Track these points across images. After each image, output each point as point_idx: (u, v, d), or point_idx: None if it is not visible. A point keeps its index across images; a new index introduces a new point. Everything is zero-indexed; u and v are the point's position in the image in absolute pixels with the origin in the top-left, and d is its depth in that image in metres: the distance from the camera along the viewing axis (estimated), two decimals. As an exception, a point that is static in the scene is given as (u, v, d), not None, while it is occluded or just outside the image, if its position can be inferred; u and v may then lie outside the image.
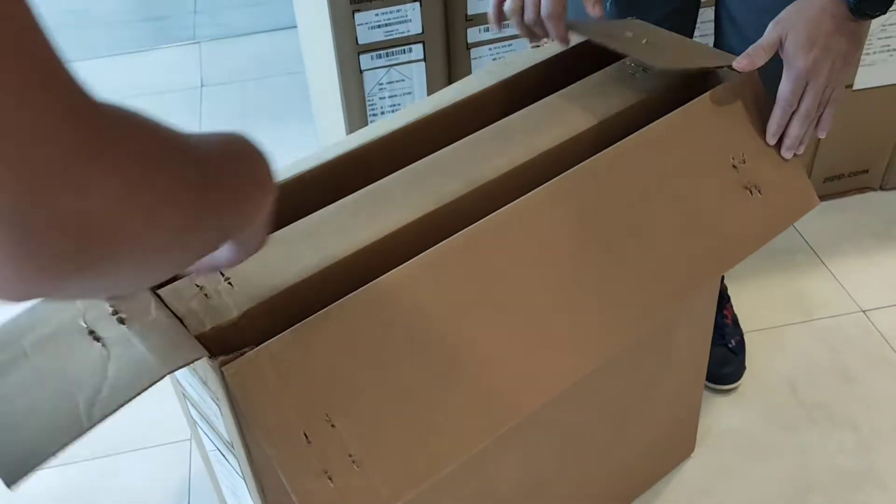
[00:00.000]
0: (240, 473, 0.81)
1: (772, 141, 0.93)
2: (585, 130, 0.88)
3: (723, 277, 1.54)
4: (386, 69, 1.38)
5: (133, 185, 0.35)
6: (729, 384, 1.47)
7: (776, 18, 0.92)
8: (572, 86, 0.95)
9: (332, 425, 0.70)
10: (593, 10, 0.96)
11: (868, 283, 1.64)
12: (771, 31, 0.92)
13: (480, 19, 1.39)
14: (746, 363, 1.48)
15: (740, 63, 0.92)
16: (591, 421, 1.05)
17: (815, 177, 1.78)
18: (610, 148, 0.85)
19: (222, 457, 0.85)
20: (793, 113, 0.92)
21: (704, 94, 0.91)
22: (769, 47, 0.91)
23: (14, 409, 0.59)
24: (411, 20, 1.34)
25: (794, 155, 0.95)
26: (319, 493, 0.68)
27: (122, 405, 0.60)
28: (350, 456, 0.70)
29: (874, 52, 1.63)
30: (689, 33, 1.31)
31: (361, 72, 1.37)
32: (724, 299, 1.54)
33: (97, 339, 0.66)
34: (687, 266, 0.86)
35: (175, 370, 0.64)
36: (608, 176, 0.84)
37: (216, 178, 0.45)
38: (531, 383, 0.77)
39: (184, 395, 0.87)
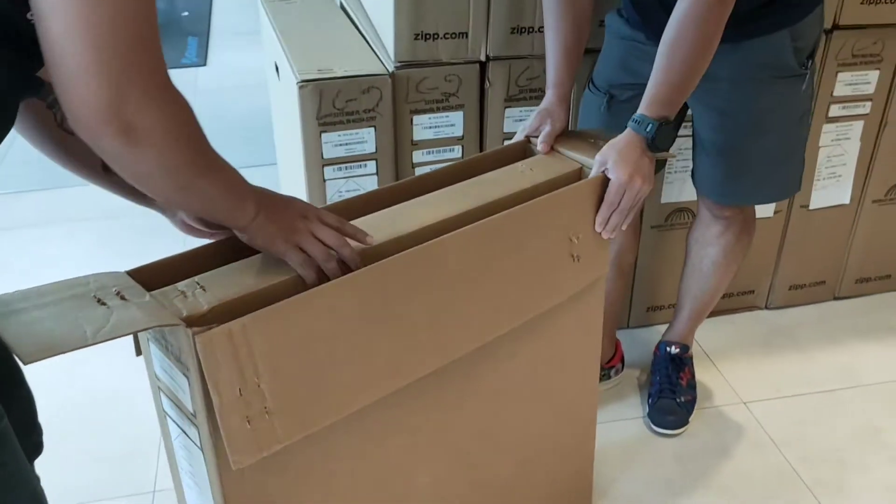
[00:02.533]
0: (199, 445, 1.02)
1: (599, 228, 1.22)
2: (493, 202, 1.16)
3: (688, 352, 1.81)
4: (345, 179, 1.66)
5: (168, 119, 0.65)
6: (668, 429, 1.73)
7: (601, 150, 1.23)
8: (486, 174, 1.25)
9: (259, 385, 0.93)
10: (544, 148, 1.29)
11: (749, 381, 1.88)
12: (598, 157, 1.22)
13: (424, 144, 1.69)
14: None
15: (593, 177, 1.22)
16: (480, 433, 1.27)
17: (709, 294, 2.05)
18: (496, 216, 1.12)
19: (185, 436, 1.05)
20: (613, 210, 1.21)
21: (567, 188, 1.20)
22: (597, 166, 1.21)
23: (34, 328, 0.82)
24: (367, 141, 1.64)
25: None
26: (240, 430, 0.93)
27: (117, 336, 0.83)
28: (265, 408, 0.94)
29: (824, 179, 1.95)
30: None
31: (325, 181, 1.65)
32: (683, 364, 1.80)
33: (103, 303, 0.89)
34: (523, 300, 1.18)
35: (158, 326, 0.88)
36: (491, 234, 1.11)
37: (215, 169, 0.75)
38: (406, 363, 1.03)
39: (158, 388, 1.08)
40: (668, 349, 1.80)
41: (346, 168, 1.65)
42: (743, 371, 1.91)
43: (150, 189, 0.80)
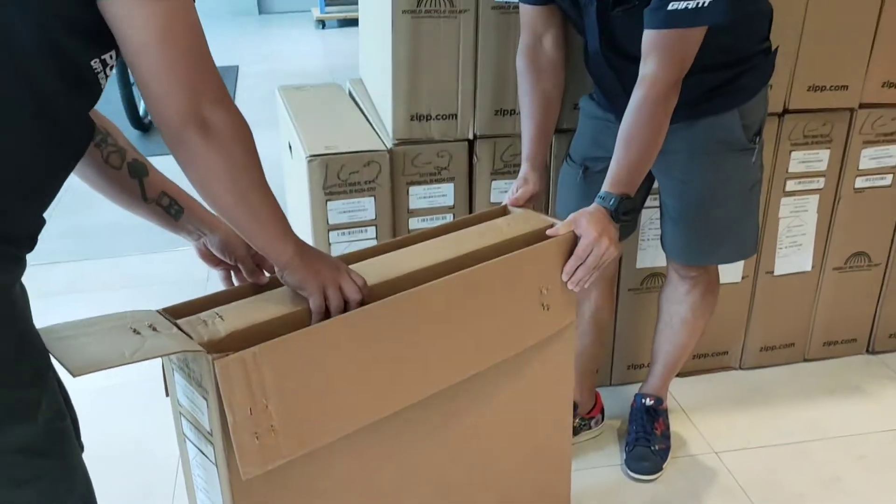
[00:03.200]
0: (213, 461, 1.16)
1: (565, 279, 1.37)
2: (473, 251, 1.33)
3: (662, 404, 1.94)
4: (348, 243, 1.84)
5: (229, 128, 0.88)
6: (643, 475, 1.86)
7: (571, 215, 1.40)
8: (468, 228, 1.42)
9: (267, 407, 1.09)
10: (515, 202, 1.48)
11: (721, 433, 2.00)
12: (569, 218, 1.39)
13: (418, 212, 1.87)
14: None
15: (553, 231, 1.38)
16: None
17: (685, 354, 2.19)
18: (476, 267, 1.29)
19: (202, 455, 1.20)
20: (580, 265, 1.37)
21: (540, 244, 1.37)
22: (567, 225, 1.38)
23: (80, 350, 0.98)
24: (368, 209, 1.82)
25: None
26: (250, 445, 1.08)
27: (150, 358, 0.99)
28: (272, 426, 1.09)
29: (786, 247, 2.11)
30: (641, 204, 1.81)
31: (330, 244, 1.83)
32: (658, 415, 1.93)
33: (138, 333, 1.06)
34: (499, 342, 1.34)
35: (183, 351, 1.04)
36: (471, 283, 1.27)
37: (267, 191, 0.99)
38: (402, 389, 1.18)
39: (180, 413, 1.23)
40: (643, 401, 1.93)
41: (349, 233, 1.83)
42: (716, 424, 2.04)
43: (211, 192, 0.99)
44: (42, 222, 0.98)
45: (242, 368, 1.06)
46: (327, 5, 6.29)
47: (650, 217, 1.95)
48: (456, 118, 1.82)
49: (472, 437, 1.41)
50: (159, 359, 1.13)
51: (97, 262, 2.89)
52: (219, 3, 5.81)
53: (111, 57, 0.96)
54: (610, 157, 1.46)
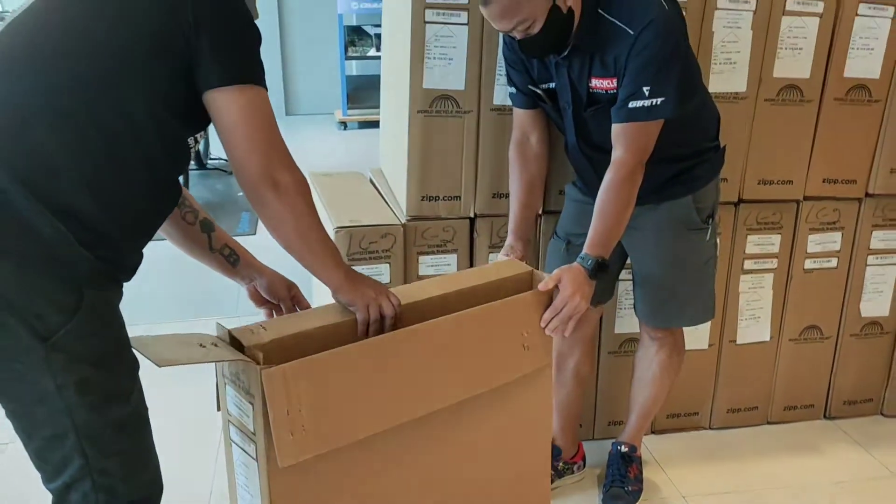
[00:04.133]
0: (254, 457, 1.43)
1: (543, 325, 1.64)
2: (467, 287, 1.63)
3: (636, 451, 2.18)
4: (366, 303, 2.14)
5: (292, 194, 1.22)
6: None
7: (555, 272, 1.67)
8: (463, 271, 1.72)
9: (300, 410, 1.37)
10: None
11: (690, 481, 2.24)
12: (553, 273, 1.67)
13: (427, 278, 2.18)
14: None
15: (542, 285, 1.67)
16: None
17: (660, 413, 2.44)
18: (470, 310, 1.58)
19: (244, 454, 1.47)
20: (556, 315, 1.64)
21: (522, 295, 1.66)
22: (551, 281, 1.66)
23: (162, 351, 1.27)
24: (384, 274, 2.12)
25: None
26: (286, 439, 1.35)
27: (215, 361, 1.29)
28: (303, 426, 1.36)
29: (746, 319, 2.38)
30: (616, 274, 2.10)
31: (350, 303, 2.13)
32: (632, 461, 2.17)
33: (203, 346, 1.35)
34: (486, 373, 1.61)
35: (238, 360, 1.33)
36: (465, 323, 1.56)
37: (324, 234, 1.29)
38: (405, 406, 1.46)
39: (228, 421, 1.51)
40: (619, 448, 2.18)
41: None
42: (685, 473, 2.27)
43: (280, 233, 1.30)
44: (142, 258, 1.30)
45: (283, 378, 1.35)
46: (349, 108, 6.77)
47: (626, 289, 2.25)
48: (460, 199, 2.14)
49: (462, 455, 1.66)
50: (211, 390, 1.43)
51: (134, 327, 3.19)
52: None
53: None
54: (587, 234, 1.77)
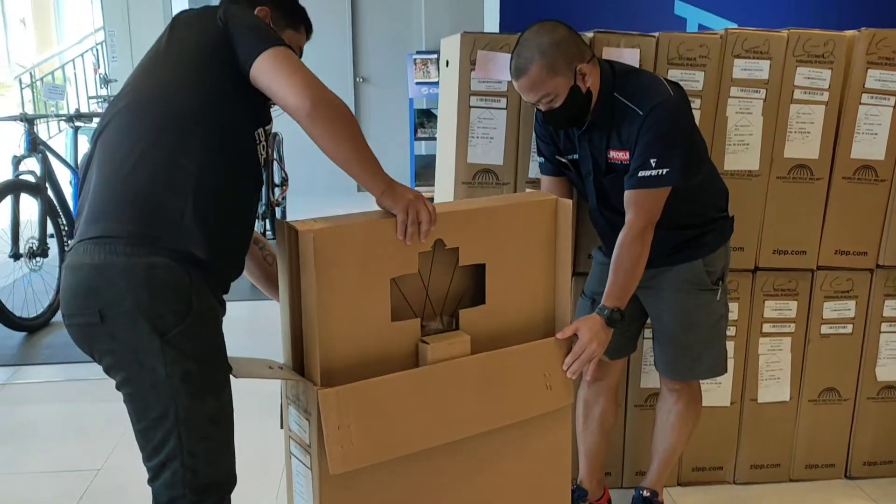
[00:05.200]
0: (310, 466, 1.69)
1: (565, 368, 1.86)
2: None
3: (658, 496, 2.35)
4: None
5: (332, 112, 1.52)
6: None
7: (576, 321, 1.92)
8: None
9: (349, 427, 1.62)
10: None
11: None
12: (573, 325, 1.89)
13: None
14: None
15: (561, 334, 1.90)
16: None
17: (686, 465, 2.61)
18: (497, 351, 1.82)
19: (301, 464, 1.73)
20: (576, 360, 1.87)
21: (545, 340, 1.90)
22: (570, 330, 1.88)
23: (239, 368, 1.56)
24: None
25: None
26: (337, 451, 1.60)
27: (283, 378, 1.57)
28: (351, 441, 1.62)
29: (766, 379, 2.55)
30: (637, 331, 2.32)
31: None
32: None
33: (272, 368, 1.64)
34: (509, 409, 1.82)
35: (302, 379, 1.61)
36: (493, 362, 1.81)
37: (365, 143, 1.58)
38: (439, 430, 1.70)
39: (290, 438, 1.77)
40: (641, 493, 2.36)
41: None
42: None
43: (339, 149, 1.54)
44: (239, 272, 1.65)
45: (335, 398, 1.61)
46: (416, 185, 7.18)
47: (650, 347, 2.46)
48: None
49: (489, 481, 1.87)
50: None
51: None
52: (319, 183, 6.70)
53: (262, 135, 1.63)
54: None
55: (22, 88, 8.55)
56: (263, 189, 1.95)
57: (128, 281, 1.45)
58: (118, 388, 1.55)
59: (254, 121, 1.63)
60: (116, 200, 1.50)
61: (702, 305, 2.17)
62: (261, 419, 2.25)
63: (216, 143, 1.55)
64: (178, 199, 1.49)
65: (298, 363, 1.69)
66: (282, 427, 1.79)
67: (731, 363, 2.44)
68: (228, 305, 1.65)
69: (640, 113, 1.94)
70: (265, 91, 1.55)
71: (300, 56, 1.75)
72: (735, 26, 2.46)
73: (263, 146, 1.68)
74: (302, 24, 1.80)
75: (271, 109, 1.69)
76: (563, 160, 2.15)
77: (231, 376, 1.58)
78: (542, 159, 2.21)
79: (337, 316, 1.64)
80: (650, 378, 2.52)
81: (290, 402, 1.74)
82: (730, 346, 2.41)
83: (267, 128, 1.68)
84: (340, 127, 1.54)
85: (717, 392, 2.53)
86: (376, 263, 1.67)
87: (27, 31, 12.77)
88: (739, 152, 2.37)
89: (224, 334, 1.59)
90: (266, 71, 1.52)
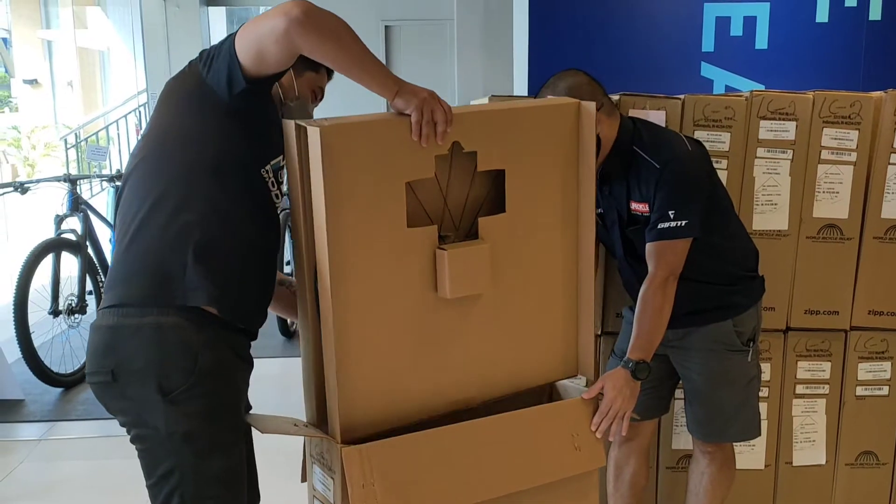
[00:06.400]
0: (335, 524, 1.71)
1: (593, 428, 1.85)
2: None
3: None
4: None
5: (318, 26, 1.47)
6: None
7: (601, 377, 1.92)
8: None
9: (373, 485, 1.63)
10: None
11: None
12: (597, 382, 1.90)
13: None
14: None
15: (587, 394, 1.90)
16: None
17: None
18: (522, 410, 1.83)
19: (326, 522, 1.74)
20: (604, 419, 1.86)
21: (573, 399, 1.90)
22: (595, 389, 1.89)
23: (266, 425, 1.59)
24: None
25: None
26: None
27: (308, 436, 1.59)
28: (376, 499, 1.62)
29: (801, 441, 2.50)
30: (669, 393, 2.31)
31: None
32: None
33: (297, 425, 1.66)
34: (539, 471, 1.81)
35: (325, 437, 1.63)
36: (517, 422, 1.80)
37: (364, 48, 1.52)
38: (465, 490, 1.70)
39: (314, 497, 1.79)
40: (673, 558, 2.32)
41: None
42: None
43: (337, 58, 1.51)
44: (261, 321, 1.68)
45: (358, 456, 1.62)
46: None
47: (682, 408, 2.44)
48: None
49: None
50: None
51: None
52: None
53: (270, 172, 1.62)
54: None
55: (67, 149, 8.84)
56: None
57: (138, 341, 1.51)
58: (132, 442, 1.59)
59: (255, 158, 1.61)
60: (125, 269, 1.56)
61: (732, 366, 2.16)
62: (285, 476, 2.26)
63: (217, 190, 1.55)
64: (178, 254, 1.52)
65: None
66: (303, 481, 1.81)
67: (764, 425, 2.40)
68: (259, 362, 1.69)
69: (657, 166, 1.98)
70: (256, 52, 1.48)
71: (321, 97, 1.77)
72: (762, 87, 2.49)
73: (273, 182, 1.66)
74: (322, 66, 1.73)
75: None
76: None
77: (257, 431, 1.61)
78: None
79: (349, 222, 1.58)
80: (682, 439, 2.50)
81: (315, 460, 1.76)
82: (763, 407, 2.38)
83: (274, 163, 1.64)
84: (337, 28, 1.48)
85: (750, 455, 2.49)
86: (390, 166, 1.60)
87: (74, 93, 13.25)
88: (768, 212, 2.37)
89: (249, 390, 1.62)
90: (244, 32, 1.48)
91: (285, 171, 1.68)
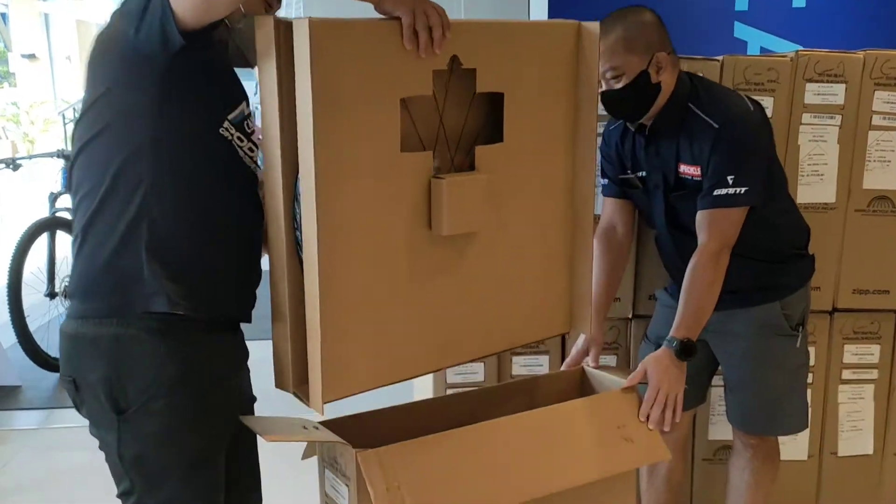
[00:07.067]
0: (352, 535, 1.55)
1: (642, 418, 1.70)
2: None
3: None
4: (461, 400, 2.25)
5: None
6: None
7: (642, 361, 1.76)
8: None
9: (399, 488, 1.47)
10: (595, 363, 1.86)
11: None
12: (639, 367, 1.75)
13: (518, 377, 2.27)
14: None
15: (629, 381, 1.74)
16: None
17: None
18: (573, 401, 1.67)
19: (340, 532, 1.58)
20: (652, 405, 1.71)
21: (614, 390, 1.73)
22: (638, 375, 1.73)
23: (271, 429, 1.42)
24: (478, 373, 2.24)
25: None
26: None
27: (318, 440, 1.43)
28: (404, 501, 1.46)
29: (847, 431, 2.34)
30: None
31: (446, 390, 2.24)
32: None
33: (305, 428, 1.50)
34: (587, 467, 1.64)
35: (339, 441, 1.47)
36: (555, 415, 1.65)
37: None
38: (492, 494, 1.54)
39: (326, 503, 1.63)
40: (712, 558, 2.17)
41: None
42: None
43: None
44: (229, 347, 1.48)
45: (377, 458, 1.46)
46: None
47: (719, 395, 2.27)
48: (552, 302, 2.26)
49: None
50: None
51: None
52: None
53: (232, 128, 1.36)
54: None
55: (65, 123, 8.65)
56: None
57: (94, 353, 1.36)
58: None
59: (208, 121, 1.36)
60: (80, 277, 1.40)
61: (780, 353, 1.99)
62: (294, 476, 2.12)
63: (165, 172, 1.32)
64: (132, 254, 1.32)
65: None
66: (304, 458, 1.64)
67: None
68: (252, 345, 1.53)
69: (715, 126, 1.80)
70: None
71: (279, 4, 1.50)
72: (799, 49, 2.29)
73: (241, 137, 1.41)
74: None
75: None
76: (630, 177, 2.00)
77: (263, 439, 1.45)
78: (606, 180, 2.07)
79: (338, 138, 1.36)
80: (719, 430, 2.34)
81: (326, 464, 1.60)
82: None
83: (234, 116, 1.39)
84: None
85: (793, 445, 2.33)
86: (385, 77, 1.40)
87: (73, 67, 13.04)
88: (814, 183, 2.19)
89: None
90: None
91: (255, 115, 1.45)
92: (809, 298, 2.04)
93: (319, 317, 1.41)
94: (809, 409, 2.11)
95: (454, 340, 1.65)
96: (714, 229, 1.81)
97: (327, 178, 1.36)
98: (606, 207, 2.08)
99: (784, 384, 2.01)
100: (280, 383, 1.53)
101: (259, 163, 1.47)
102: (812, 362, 2.25)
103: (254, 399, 1.62)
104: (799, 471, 2.36)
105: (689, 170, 1.86)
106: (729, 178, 1.78)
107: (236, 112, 1.40)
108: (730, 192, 1.78)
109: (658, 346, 2.07)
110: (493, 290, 1.67)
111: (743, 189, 1.78)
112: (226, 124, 1.39)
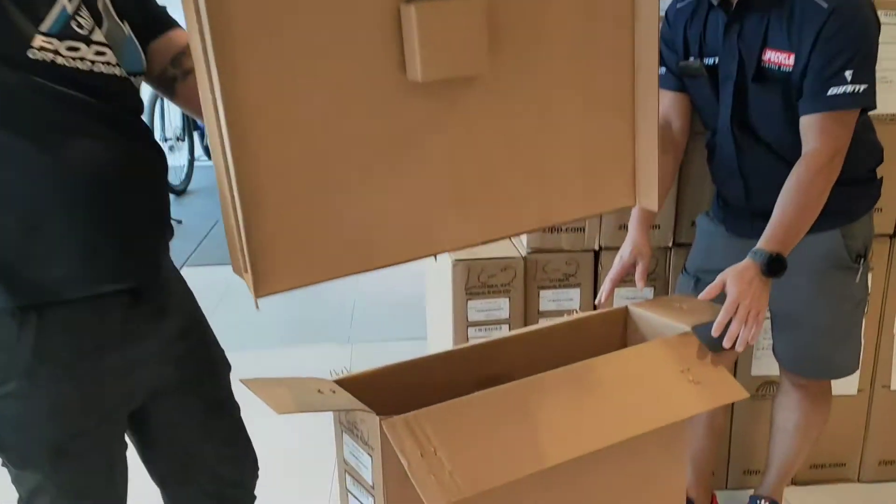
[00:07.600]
0: (372, 510, 1.38)
1: (716, 333, 1.44)
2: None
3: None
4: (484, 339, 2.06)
5: None
6: None
7: (722, 273, 1.51)
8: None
9: (436, 453, 1.28)
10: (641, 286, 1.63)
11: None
12: (718, 278, 1.51)
13: (548, 314, 2.08)
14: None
15: (704, 294, 1.49)
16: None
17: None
18: (630, 348, 1.47)
19: (361, 505, 1.41)
20: (731, 318, 1.45)
21: (671, 336, 1.53)
22: (717, 287, 1.49)
23: (281, 397, 1.23)
24: (503, 309, 2.05)
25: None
26: (428, 482, 1.22)
27: (335, 409, 1.24)
28: (443, 467, 1.27)
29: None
30: None
31: (468, 339, 2.06)
32: None
33: (321, 392, 1.30)
34: (655, 415, 1.43)
35: (359, 409, 1.27)
36: (612, 363, 1.45)
37: None
38: (547, 451, 1.35)
39: (345, 471, 1.46)
40: (758, 502, 2.02)
41: (486, 329, 2.06)
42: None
43: None
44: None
45: (406, 425, 1.27)
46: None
47: (765, 327, 2.08)
48: (584, 231, 2.04)
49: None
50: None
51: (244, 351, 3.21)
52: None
53: (54, 38, 1.01)
54: (718, 271, 1.56)
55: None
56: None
57: None
58: None
59: (13, 43, 1.02)
60: None
61: (836, 287, 1.79)
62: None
63: None
64: None
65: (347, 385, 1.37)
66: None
67: (860, 345, 2.06)
68: (200, 271, 1.34)
69: (824, 7, 1.53)
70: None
71: None
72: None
73: (75, 45, 1.06)
74: None
75: None
76: (693, 64, 1.74)
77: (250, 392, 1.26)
78: (664, 69, 1.81)
79: None
80: (762, 364, 2.16)
81: (345, 428, 1.42)
82: (860, 325, 2.03)
83: (55, 18, 1.04)
84: None
85: (842, 378, 2.16)
86: None
87: None
88: (881, 91, 1.92)
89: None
90: None
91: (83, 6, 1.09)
92: (872, 227, 1.83)
93: (246, 185, 1.04)
94: (863, 344, 1.92)
95: (440, 219, 1.25)
96: (826, 136, 1.56)
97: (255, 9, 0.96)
98: (663, 100, 1.81)
99: (840, 323, 1.82)
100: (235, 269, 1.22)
101: (125, 66, 1.15)
102: (868, 289, 2.06)
103: (212, 367, 1.53)
104: (847, 406, 2.19)
105: (777, 57, 1.60)
106: (847, 73, 1.53)
107: (53, 14, 1.04)
108: (848, 91, 1.54)
109: (697, 280, 1.88)
110: (500, 155, 1.25)
111: (862, 87, 1.54)
112: (36, 36, 1.03)
